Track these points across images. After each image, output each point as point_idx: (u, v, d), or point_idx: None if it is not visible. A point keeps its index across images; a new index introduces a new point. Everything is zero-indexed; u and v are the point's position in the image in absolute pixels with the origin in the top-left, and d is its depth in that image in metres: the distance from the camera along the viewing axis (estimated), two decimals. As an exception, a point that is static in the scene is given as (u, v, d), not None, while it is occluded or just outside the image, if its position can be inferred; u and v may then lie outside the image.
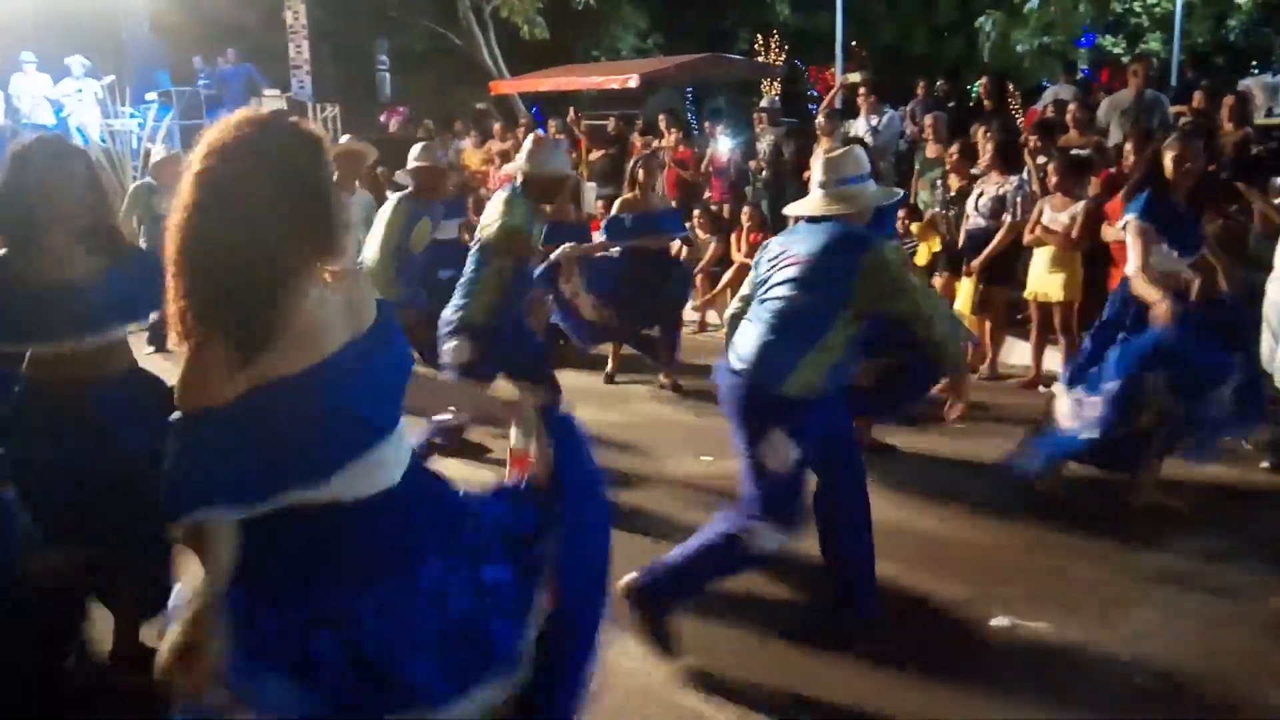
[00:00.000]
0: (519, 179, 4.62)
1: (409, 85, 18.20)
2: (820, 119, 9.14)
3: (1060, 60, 14.57)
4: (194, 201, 1.63)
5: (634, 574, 3.12)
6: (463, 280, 4.55)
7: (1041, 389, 6.32)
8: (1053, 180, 6.24)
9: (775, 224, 9.02)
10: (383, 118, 14.86)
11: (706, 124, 11.26)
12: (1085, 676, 3.11)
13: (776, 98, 14.07)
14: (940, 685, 3.07)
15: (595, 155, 11.54)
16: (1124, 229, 4.10)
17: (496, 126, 12.64)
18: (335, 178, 1.73)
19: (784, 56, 20.26)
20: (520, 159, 4.65)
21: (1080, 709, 2.96)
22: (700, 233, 8.79)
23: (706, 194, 9.99)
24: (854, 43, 18.22)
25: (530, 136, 4.84)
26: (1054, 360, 6.40)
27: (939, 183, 7.34)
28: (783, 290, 3.11)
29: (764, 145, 9.81)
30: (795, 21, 21.31)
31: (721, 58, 15.99)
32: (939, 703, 2.99)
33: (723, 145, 10.16)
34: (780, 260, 3.18)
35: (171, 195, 5.82)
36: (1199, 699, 2.99)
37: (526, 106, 17.03)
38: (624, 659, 3.17)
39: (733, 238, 8.82)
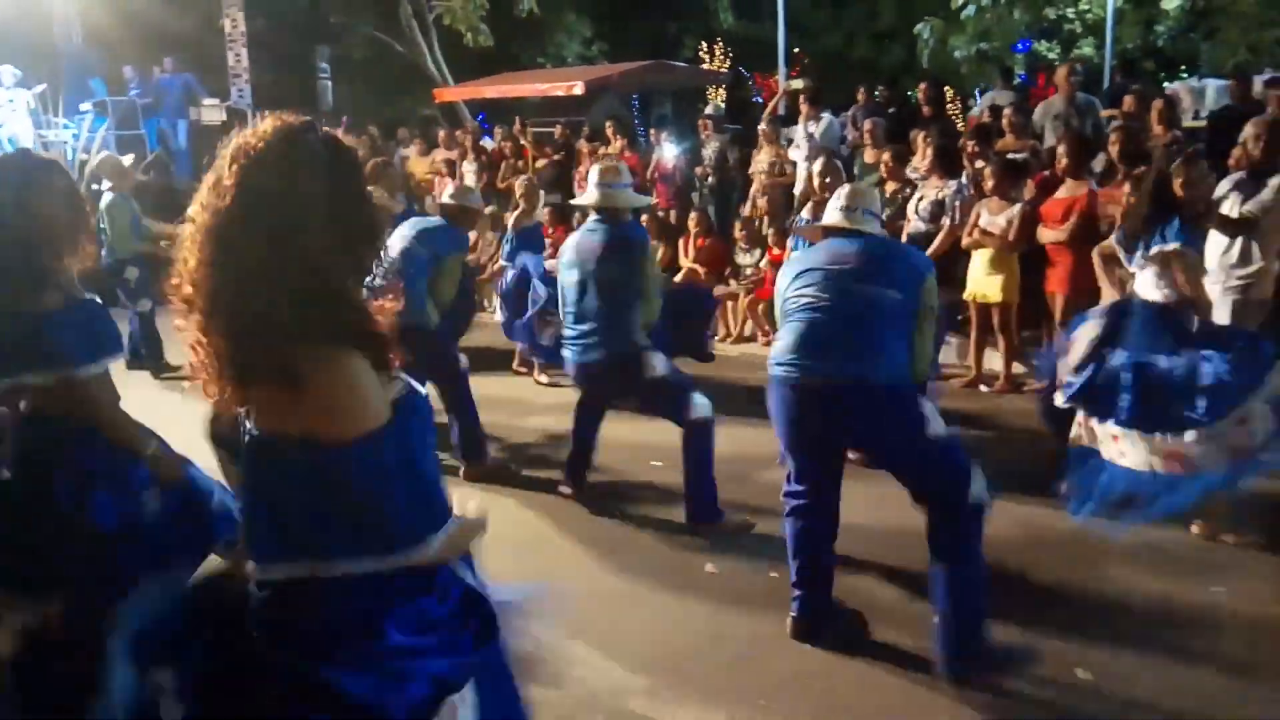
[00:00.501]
0: (591, 213, 4.61)
1: (351, 93, 18.02)
2: (763, 125, 9.24)
3: (997, 66, 14.89)
4: (230, 218, 1.48)
5: (941, 660, 3.13)
6: (617, 313, 4.41)
7: (983, 388, 6.46)
8: (989, 184, 6.36)
9: (722, 229, 9.10)
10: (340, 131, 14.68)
11: (652, 131, 11.30)
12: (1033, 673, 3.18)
13: (721, 104, 14.16)
14: (898, 682, 3.12)
15: (542, 162, 11.53)
16: (1155, 259, 4.01)
17: (442, 134, 12.56)
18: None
19: (728, 64, 20.41)
20: (592, 192, 4.57)
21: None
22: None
23: (653, 200, 10.02)
24: (796, 50, 18.42)
25: (596, 168, 4.68)
26: (994, 360, 6.53)
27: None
28: (861, 289, 3.28)
29: (709, 151, 9.87)
30: (739, 29, 21.52)
31: (666, 65, 16.07)
32: (896, 704, 3.03)
33: (668, 152, 10.20)
34: (830, 267, 3.36)
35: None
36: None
37: (472, 114, 16.97)
38: (571, 666, 3.17)
39: (680, 243, 8.86)
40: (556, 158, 11.39)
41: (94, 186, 7.94)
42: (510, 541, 4.21)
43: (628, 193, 4.66)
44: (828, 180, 5.24)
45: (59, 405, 2.52)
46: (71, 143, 12.27)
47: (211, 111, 13.63)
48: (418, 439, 1.58)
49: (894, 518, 4.37)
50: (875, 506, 4.14)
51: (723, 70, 19.46)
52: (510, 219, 7.71)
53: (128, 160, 7.97)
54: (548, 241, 7.88)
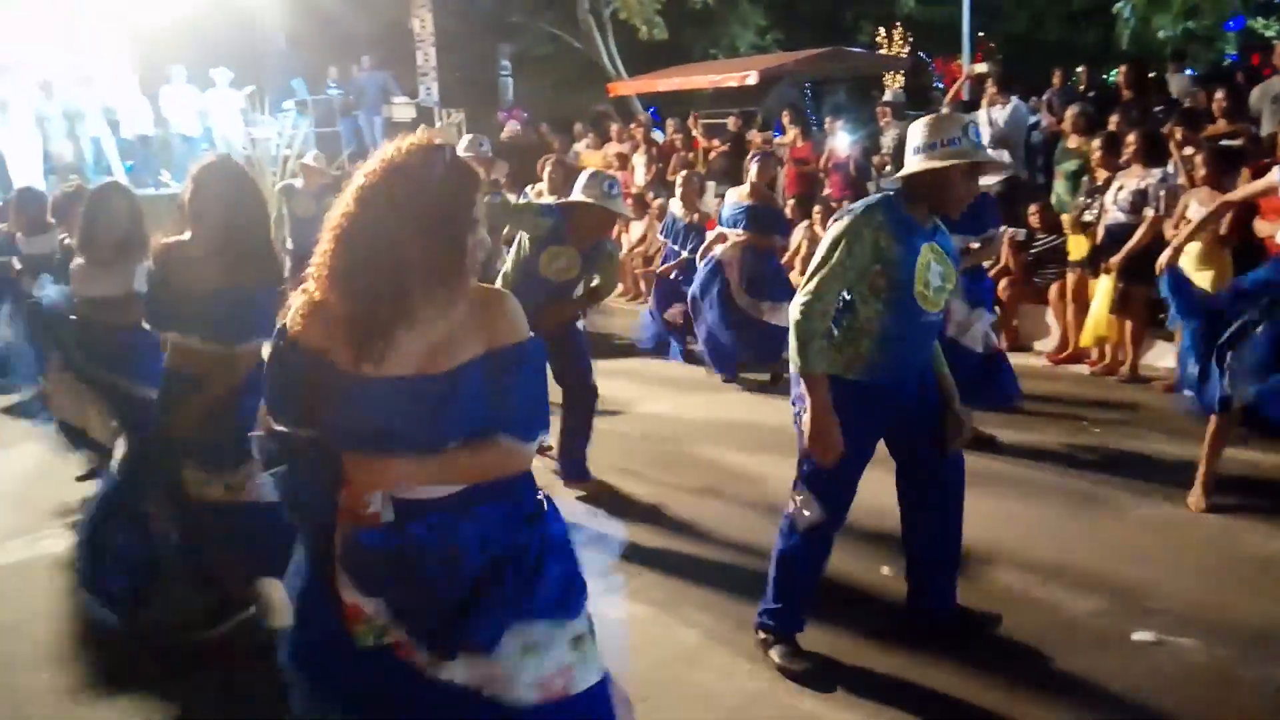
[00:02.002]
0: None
1: (530, 88, 18.52)
2: (945, 111, 8.87)
3: (1206, 45, 13.78)
4: (350, 212, 1.78)
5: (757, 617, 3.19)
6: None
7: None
8: (1199, 172, 5.89)
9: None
10: (501, 117, 15.07)
11: (827, 119, 11.07)
12: (1235, 699, 2.91)
13: (901, 90, 13.71)
14: (1078, 700, 2.93)
15: (714, 154, 11.51)
16: None
17: (614, 128, 12.71)
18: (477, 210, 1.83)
19: (908, 48, 19.76)
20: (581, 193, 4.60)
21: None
22: (819, 229, 8.67)
23: (826, 190, 9.83)
24: (981, 33, 17.63)
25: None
26: (1200, 362, 6.03)
27: (1082, 178, 7.05)
28: None
29: (889, 139, 9.56)
30: (920, 13, 20.78)
31: (843, 51, 15.72)
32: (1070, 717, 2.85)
33: (841, 140, 9.97)
34: None
35: (308, 199, 6.46)
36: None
37: (644, 107, 17.12)
38: (740, 660, 3.14)
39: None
40: (724, 148, 11.35)
41: (290, 180, 8.46)
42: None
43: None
44: None
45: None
46: (275, 139, 13.12)
47: (402, 109, 14.30)
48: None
49: (1063, 526, 4.14)
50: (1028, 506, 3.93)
51: (901, 55, 18.87)
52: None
53: (310, 158, 8.46)
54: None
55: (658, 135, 12.66)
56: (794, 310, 2.87)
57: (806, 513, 3.03)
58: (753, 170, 6.69)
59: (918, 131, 2.94)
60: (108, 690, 3.15)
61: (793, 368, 2.97)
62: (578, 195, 4.56)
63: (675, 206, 7.52)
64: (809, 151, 10.36)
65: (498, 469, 1.83)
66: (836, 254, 2.84)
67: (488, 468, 1.82)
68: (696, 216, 7.34)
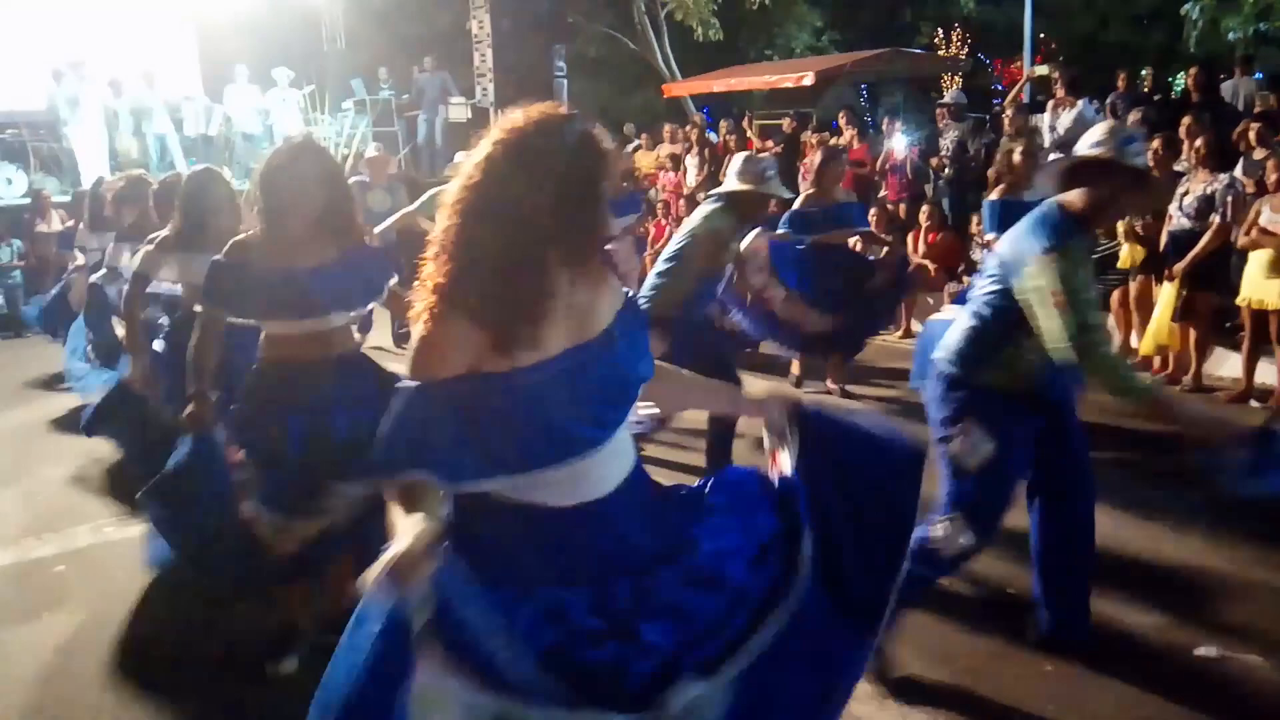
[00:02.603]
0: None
1: (584, 89, 18.56)
2: (1008, 113, 8.73)
3: (1277, 47, 13.36)
4: (475, 182, 1.61)
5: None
6: (658, 273, 4.38)
7: (1253, 403, 5.83)
8: (1272, 177, 5.73)
9: (956, 223, 8.69)
10: None
11: (885, 121, 10.94)
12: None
13: (960, 92, 13.54)
14: (1137, 716, 2.86)
15: (768, 155, 11.44)
16: None
17: (667, 129, 12.70)
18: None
19: (966, 50, 19.49)
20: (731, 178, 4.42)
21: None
22: (874, 230, 8.57)
23: (882, 192, 9.72)
24: (1041, 34, 17.32)
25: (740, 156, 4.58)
26: (1268, 373, 5.88)
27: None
28: None
29: (947, 141, 9.44)
30: (979, 14, 20.48)
31: (901, 52, 15.54)
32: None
33: (898, 142, 9.85)
34: None
35: (381, 192, 6.45)
36: None
37: (698, 108, 17.09)
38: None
39: (909, 237, 8.55)
40: (778, 149, 11.26)
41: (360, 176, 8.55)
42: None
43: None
44: (1029, 161, 4.81)
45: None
46: (334, 138, 13.33)
47: (458, 109, 14.43)
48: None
49: (1126, 539, 4.05)
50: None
51: (960, 57, 18.62)
52: None
53: (373, 150, 8.59)
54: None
55: (711, 136, 12.62)
56: (1076, 352, 2.64)
57: (960, 539, 2.92)
58: (829, 171, 6.37)
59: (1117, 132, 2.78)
60: (173, 697, 3.22)
61: (932, 397, 2.96)
62: (734, 183, 4.32)
63: None
64: (865, 153, 10.26)
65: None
66: (1075, 284, 2.66)
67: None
68: None
